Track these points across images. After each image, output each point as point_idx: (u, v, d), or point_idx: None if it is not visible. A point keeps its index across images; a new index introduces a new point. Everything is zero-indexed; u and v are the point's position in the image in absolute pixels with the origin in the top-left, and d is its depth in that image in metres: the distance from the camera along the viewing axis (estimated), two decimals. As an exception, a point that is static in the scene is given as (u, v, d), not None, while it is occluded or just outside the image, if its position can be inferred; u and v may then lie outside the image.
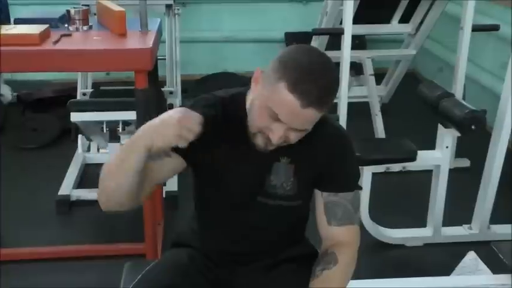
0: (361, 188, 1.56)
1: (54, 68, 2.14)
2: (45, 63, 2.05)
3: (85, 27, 2.44)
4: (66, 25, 2.45)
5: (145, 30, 2.42)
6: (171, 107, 3.83)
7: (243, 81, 5.03)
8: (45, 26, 2.27)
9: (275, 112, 1.31)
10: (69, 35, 2.32)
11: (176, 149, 1.38)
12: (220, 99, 1.47)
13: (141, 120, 2.31)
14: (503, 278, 1.95)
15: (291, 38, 5.08)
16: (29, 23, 2.34)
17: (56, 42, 2.20)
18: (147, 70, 2.21)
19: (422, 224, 2.95)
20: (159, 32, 2.60)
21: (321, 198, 1.53)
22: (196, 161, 1.47)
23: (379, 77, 4.67)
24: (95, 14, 2.76)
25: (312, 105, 1.28)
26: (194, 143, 1.34)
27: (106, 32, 2.41)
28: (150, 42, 2.25)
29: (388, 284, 1.98)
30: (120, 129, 2.99)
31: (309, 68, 1.30)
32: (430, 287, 2.00)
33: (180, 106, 1.56)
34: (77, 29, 2.42)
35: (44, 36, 2.20)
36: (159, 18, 2.71)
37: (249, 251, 1.60)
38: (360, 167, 2.66)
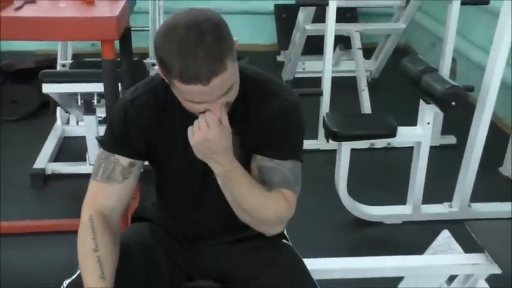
0: (300, 161, 1.47)
1: (11, 37, 2.06)
2: (2, 31, 1.97)
3: (52, -6, 2.35)
4: (31, -9, 2.36)
5: (115, -2, 2.33)
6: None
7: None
8: (9, -9, 2.19)
9: (195, 100, 1.29)
10: (33, 1, 2.23)
11: (135, 156, 1.45)
12: (160, 81, 1.42)
13: (109, 93, 2.24)
14: (474, 258, 1.89)
15: (281, 10, 4.99)
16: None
17: (18, 9, 2.11)
18: (113, 40, 2.13)
19: (403, 201, 2.90)
20: (131, 1, 2.51)
21: (255, 162, 1.45)
22: (149, 152, 1.48)
23: (371, 51, 4.60)
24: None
25: (211, 77, 1.23)
26: (143, 138, 1.43)
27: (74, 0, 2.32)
28: (116, 10, 2.16)
29: (356, 263, 1.92)
30: (95, 101, 2.92)
31: (181, 52, 1.22)
32: (400, 266, 1.93)
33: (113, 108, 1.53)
34: (44, -4, 2.33)
35: (6, 2, 2.12)
36: (132, -13, 2.62)
37: (209, 229, 1.58)
38: (338, 142, 2.65)
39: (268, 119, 1.42)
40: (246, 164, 1.45)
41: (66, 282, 1.47)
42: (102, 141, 1.50)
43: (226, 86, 1.28)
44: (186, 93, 1.27)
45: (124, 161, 1.45)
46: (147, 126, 1.44)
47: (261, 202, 1.42)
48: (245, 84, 1.40)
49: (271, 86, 1.45)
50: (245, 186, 1.40)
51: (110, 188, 1.45)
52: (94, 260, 1.37)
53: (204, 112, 1.32)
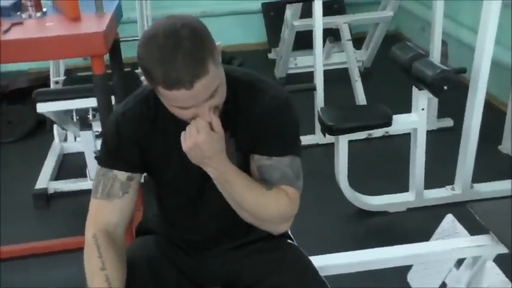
0: (298, 155, 1.47)
1: (4, 60, 2.06)
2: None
3: (38, 14, 2.34)
4: (18, 13, 2.36)
5: (101, 12, 2.33)
6: (147, 88, 3.74)
7: (224, 57, 4.96)
8: (-5, 15, 2.19)
9: (181, 106, 1.30)
10: (21, 23, 2.23)
11: (132, 169, 1.46)
12: (150, 91, 1.43)
13: (102, 107, 2.24)
14: (480, 239, 1.89)
15: (268, 8, 4.98)
16: (-21, 14, 2.26)
17: (6, 31, 2.11)
18: (102, 55, 2.13)
19: (405, 188, 2.90)
20: (118, 13, 2.51)
21: (253, 162, 1.46)
22: (145, 163, 1.49)
23: (361, 41, 4.60)
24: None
25: (194, 81, 1.23)
26: (137, 149, 1.45)
27: (60, 17, 2.32)
28: (103, 25, 2.17)
29: (361, 256, 1.92)
30: (90, 116, 2.92)
31: (161, 58, 1.23)
32: (408, 254, 1.93)
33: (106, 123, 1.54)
34: (30, 16, 2.33)
35: (-7, 26, 2.13)
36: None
37: (212, 235, 1.58)
38: (335, 136, 2.66)
39: (261, 117, 1.42)
40: (245, 165, 1.46)
41: None
42: (98, 158, 1.51)
43: (211, 89, 1.28)
44: (171, 99, 1.28)
45: (122, 175, 1.45)
46: (140, 137, 1.44)
47: (261, 201, 1.42)
48: (234, 86, 1.42)
49: (259, 84, 1.46)
50: (242, 186, 1.41)
51: (110, 205, 1.45)
52: (102, 278, 1.37)
53: (194, 118, 1.33)
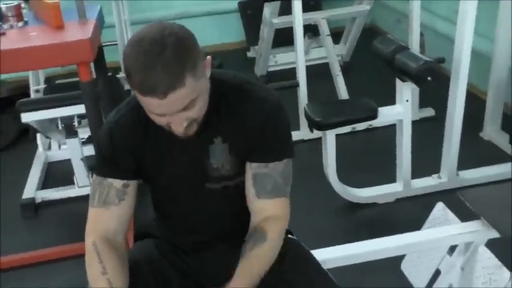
0: (292, 157, 1.50)
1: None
2: (-22, 67, 1.95)
3: (20, 24, 2.34)
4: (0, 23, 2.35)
5: (84, 19, 2.33)
6: (128, 93, 3.74)
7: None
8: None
9: (155, 112, 1.31)
10: (3, 33, 2.22)
11: (127, 177, 1.46)
12: None
13: (91, 114, 2.24)
14: (471, 225, 1.93)
15: (245, 7, 4.99)
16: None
17: (-11, 43, 2.10)
18: (90, 61, 2.13)
19: (392, 179, 2.94)
20: (100, 19, 2.51)
21: (250, 169, 1.48)
22: (140, 169, 1.49)
23: (339, 35, 4.64)
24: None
25: (168, 91, 1.24)
26: (132, 156, 1.45)
27: (42, 26, 2.31)
28: (88, 32, 2.17)
29: (355, 248, 1.95)
30: (76, 123, 2.91)
31: (142, 63, 1.24)
32: (401, 244, 1.96)
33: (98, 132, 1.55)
34: (12, 27, 2.32)
35: (-24, 38, 2.11)
36: (98, 5, 2.61)
37: (211, 238, 1.59)
38: (320, 131, 2.68)
39: (254, 121, 1.43)
40: (239, 169, 1.48)
41: None
42: (94, 167, 1.51)
43: (185, 101, 1.28)
44: (145, 104, 1.29)
45: (117, 183, 1.46)
46: (134, 144, 1.45)
47: (272, 255, 1.47)
48: (224, 90, 1.43)
49: (250, 87, 1.46)
50: (258, 276, 1.43)
51: (108, 212, 1.46)
52: (104, 282, 1.38)
53: (169, 125, 1.34)
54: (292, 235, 1.67)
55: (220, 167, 1.47)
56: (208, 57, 1.34)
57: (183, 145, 1.42)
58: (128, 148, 1.45)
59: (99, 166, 1.49)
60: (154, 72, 1.22)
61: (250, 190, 1.49)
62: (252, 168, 1.47)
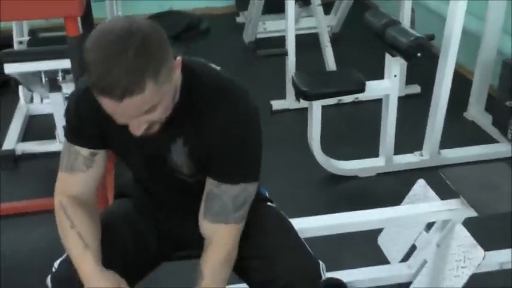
0: (254, 182, 1.42)
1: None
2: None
3: (6, -28, 2.27)
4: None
5: (73, -29, 2.26)
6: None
7: (190, 20, 4.89)
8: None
9: (112, 114, 1.23)
10: (-10, -19, 2.15)
11: (94, 146, 1.44)
12: None
13: (77, 69, 2.20)
14: (450, 204, 1.96)
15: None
16: None
17: (-25, -10, 2.04)
18: (77, 16, 2.09)
19: (375, 154, 2.96)
20: (90, -28, 2.46)
21: (206, 182, 1.43)
22: (105, 143, 1.47)
23: (330, 6, 4.60)
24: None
25: (124, 96, 1.15)
26: (98, 129, 1.40)
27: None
28: (77, -15, 2.11)
29: (334, 219, 1.97)
30: (60, 78, 2.87)
31: (102, 59, 1.14)
32: (379, 218, 1.98)
33: (69, 96, 1.48)
34: (-2, -25, 2.25)
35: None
36: (88, -42, 2.55)
37: (188, 208, 1.55)
38: (306, 101, 2.68)
39: (220, 134, 1.35)
40: (196, 173, 1.44)
41: (57, 263, 1.49)
42: (64, 131, 1.48)
43: (143, 108, 1.20)
44: (101, 103, 1.20)
45: (84, 151, 1.44)
46: (99, 117, 1.33)
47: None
48: (198, 90, 1.34)
49: (225, 95, 1.36)
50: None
51: (75, 178, 1.46)
52: (73, 235, 1.40)
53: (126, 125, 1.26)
54: (272, 203, 1.68)
55: (179, 164, 1.43)
56: (179, 58, 1.26)
57: (146, 137, 1.32)
58: (93, 120, 1.39)
59: (67, 132, 1.46)
60: (112, 72, 1.13)
61: (201, 206, 1.44)
62: (207, 183, 1.42)
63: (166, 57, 1.20)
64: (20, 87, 3.50)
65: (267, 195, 1.70)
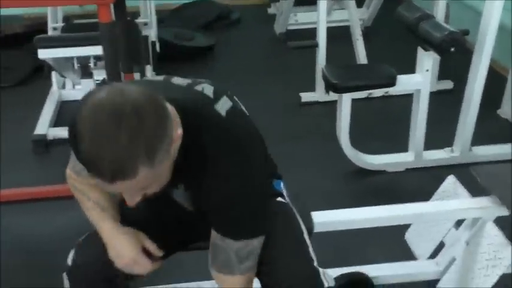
0: (256, 237, 1.37)
1: (9, 5, 2.02)
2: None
3: (43, -41, 2.30)
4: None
5: (108, -41, 2.28)
6: (146, 39, 3.72)
7: (221, 10, 4.90)
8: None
9: (104, 189, 1.19)
10: (26, -33, 2.19)
11: None
12: None
13: (109, 56, 2.23)
14: (482, 201, 1.93)
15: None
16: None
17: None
18: (110, 3, 2.10)
19: (404, 149, 2.93)
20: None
21: (211, 233, 1.39)
22: None
23: (361, 0, 4.56)
24: None
25: (115, 179, 1.08)
26: None
27: (66, -37, 2.28)
28: (112, -28, 2.13)
29: (361, 213, 1.95)
30: (92, 64, 2.90)
31: (93, 139, 1.07)
32: (408, 213, 1.96)
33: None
34: (35, -39, 2.29)
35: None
36: None
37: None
38: (336, 94, 2.66)
39: (222, 190, 1.29)
40: (202, 218, 1.39)
41: (81, 239, 1.54)
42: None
43: (138, 186, 1.15)
44: (98, 183, 1.13)
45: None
46: None
47: None
48: (205, 136, 1.26)
49: (230, 148, 1.27)
50: None
51: (81, 178, 1.49)
52: (92, 205, 1.48)
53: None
54: (283, 198, 1.59)
55: (183, 203, 1.44)
56: (180, 131, 1.17)
57: None
58: None
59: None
60: (103, 157, 1.06)
61: (209, 252, 1.42)
62: (211, 232, 1.39)
63: (163, 133, 1.11)
64: (53, 73, 3.55)
65: (282, 187, 1.62)
